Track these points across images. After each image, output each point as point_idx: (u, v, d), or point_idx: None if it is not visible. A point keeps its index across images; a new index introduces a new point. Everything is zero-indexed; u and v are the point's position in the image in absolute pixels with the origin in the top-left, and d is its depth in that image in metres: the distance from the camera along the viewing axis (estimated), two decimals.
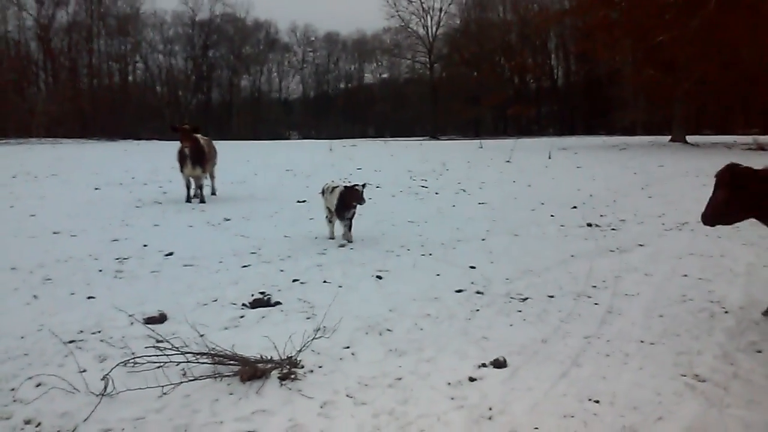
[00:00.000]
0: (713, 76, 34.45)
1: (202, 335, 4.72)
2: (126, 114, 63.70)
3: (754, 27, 30.35)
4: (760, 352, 4.87)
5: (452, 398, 4.10)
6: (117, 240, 9.51)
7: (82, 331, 5.36)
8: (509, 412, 3.90)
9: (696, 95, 37.10)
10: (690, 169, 19.31)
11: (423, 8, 74.22)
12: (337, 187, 9.29)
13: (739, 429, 3.69)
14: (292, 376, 4.35)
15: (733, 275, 7.22)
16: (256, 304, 6.18)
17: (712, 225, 6.04)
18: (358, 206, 9.12)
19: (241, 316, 5.82)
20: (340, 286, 6.83)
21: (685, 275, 7.20)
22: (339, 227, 9.37)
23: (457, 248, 8.90)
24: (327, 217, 9.61)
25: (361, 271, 7.56)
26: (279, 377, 4.33)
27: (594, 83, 66.92)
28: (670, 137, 35.82)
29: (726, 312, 5.85)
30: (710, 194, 5.75)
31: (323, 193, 9.61)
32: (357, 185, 9.07)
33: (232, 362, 4.41)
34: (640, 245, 8.98)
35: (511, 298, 6.40)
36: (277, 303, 6.21)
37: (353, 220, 9.28)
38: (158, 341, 4.77)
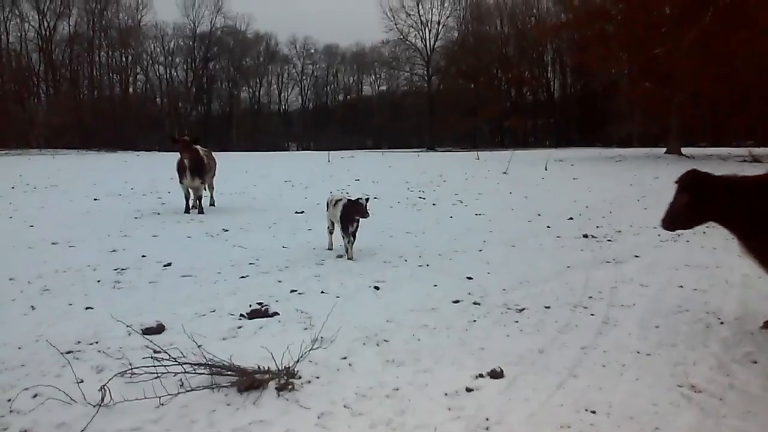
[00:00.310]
0: (708, 89, 34.65)
1: (199, 346, 4.73)
2: (126, 125, 63.91)
3: (748, 39, 30.55)
4: (755, 362, 4.89)
5: (449, 409, 4.10)
6: (115, 251, 9.52)
7: (79, 342, 5.36)
8: (506, 423, 3.91)
9: (691, 107, 37.28)
10: None
11: (421, 21, 74.82)
12: (341, 200, 9.10)
13: None
14: (290, 387, 4.35)
15: (729, 286, 7.24)
16: (254, 314, 6.18)
17: (672, 230, 6.28)
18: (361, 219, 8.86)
19: (239, 327, 5.83)
20: (337, 297, 6.84)
21: (681, 286, 7.22)
22: (339, 238, 9.27)
23: (454, 259, 8.93)
24: (328, 227, 9.55)
25: (359, 281, 7.57)
26: (276, 388, 4.33)
27: (590, 96, 67.26)
28: (665, 149, 35.98)
29: (722, 323, 5.87)
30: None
31: (327, 205, 9.55)
32: (360, 198, 8.84)
33: (229, 373, 4.41)
34: (636, 256, 9.00)
35: (508, 308, 6.41)
36: (275, 313, 6.21)
37: (356, 234, 9.00)
38: (156, 352, 4.77)
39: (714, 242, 9.61)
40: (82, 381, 4.38)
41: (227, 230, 11.45)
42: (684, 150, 34.92)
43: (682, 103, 35.12)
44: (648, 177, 21.23)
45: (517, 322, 5.97)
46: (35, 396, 4.21)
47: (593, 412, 4.02)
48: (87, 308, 6.45)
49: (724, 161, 27.90)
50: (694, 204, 5.72)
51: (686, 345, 5.26)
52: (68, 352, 5.02)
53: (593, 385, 4.45)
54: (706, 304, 6.49)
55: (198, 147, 14.17)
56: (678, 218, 5.90)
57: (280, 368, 4.46)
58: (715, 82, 33.85)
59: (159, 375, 4.35)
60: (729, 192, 5.66)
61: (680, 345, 5.26)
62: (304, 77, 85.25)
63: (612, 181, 20.55)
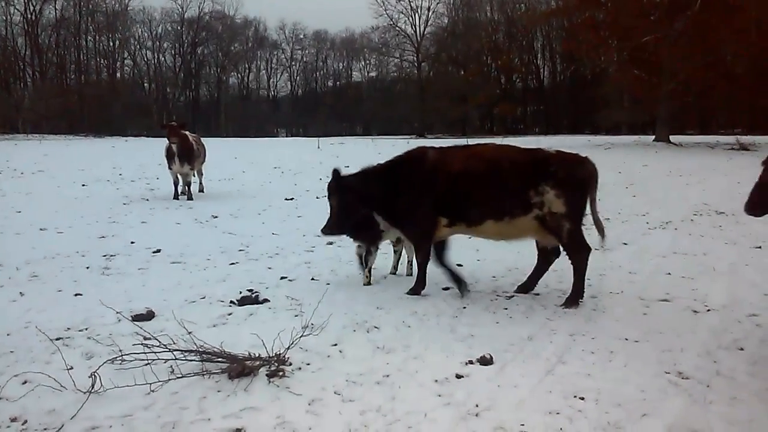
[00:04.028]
0: (697, 77, 34.75)
1: (189, 332, 4.72)
2: (114, 110, 63.28)
3: (737, 28, 30.66)
4: (742, 349, 4.94)
5: (439, 395, 4.12)
6: (104, 237, 9.48)
7: (69, 329, 5.35)
8: (496, 409, 3.93)
9: (680, 95, 37.39)
10: (673, 169, 19.43)
11: (411, 7, 74.29)
12: None
13: (721, 426, 3.74)
14: (280, 374, 4.36)
15: (716, 274, 7.30)
16: (244, 301, 6.19)
17: (339, 234, 6.87)
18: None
19: (229, 314, 5.82)
20: (328, 284, 6.84)
21: (669, 273, 7.28)
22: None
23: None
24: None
25: (349, 268, 7.58)
26: (267, 374, 4.33)
27: (579, 83, 67.26)
28: (654, 137, 36.10)
29: (709, 310, 5.93)
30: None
31: None
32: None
33: (220, 359, 4.41)
34: (624, 244, 9.05)
35: (498, 295, 6.45)
36: (265, 300, 6.22)
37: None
38: (146, 338, 4.76)
39: (701, 230, 9.69)
40: (71, 368, 4.37)
41: (216, 217, 11.42)
42: (672, 138, 35.04)
43: (671, 91, 35.20)
44: (636, 164, 21.26)
45: (506, 309, 6.00)
46: (25, 383, 4.19)
47: (582, 398, 4.06)
48: (76, 294, 6.44)
49: (712, 149, 28.09)
50: (346, 203, 6.45)
51: (674, 332, 5.30)
52: (58, 339, 5.01)
53: (582, 371, 4.48)
54: (694, 291, 6.55)
55: (187, 133, 14.11)
56: (341, 220, 6.52)
57: (270, 355, 4.46)
58: (703, 71, 33.97)
59: (149, 362, 4.34)
60: (372, 180, 6.52)
61: (668, 332, 5.31)
62: (293, 63, 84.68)
63: (600, 168, 20.52)
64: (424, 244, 6.47)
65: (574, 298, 6.13)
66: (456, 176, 6.24)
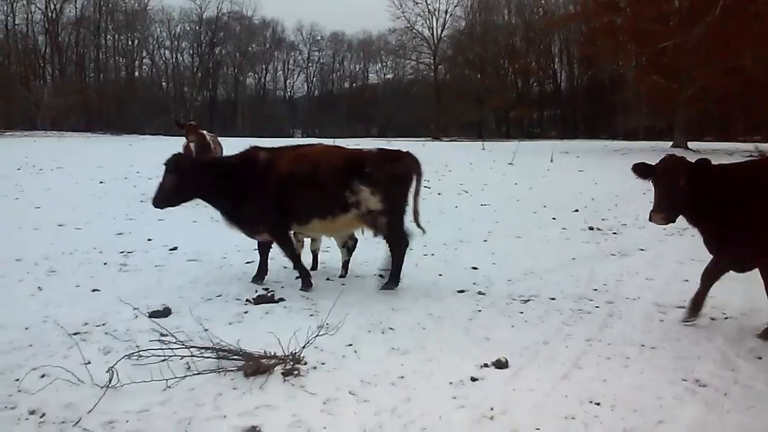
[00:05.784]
0: (716, 83, 34.41)
1: (206, 330, 4.75)
2: (132, 109, 63.77)
3: (757, 34, 30.35)
4: (760, 358, 4.90)
5: (454, 397, 4.12)
6: (122, 233, 9.56)
7: (86, 324, 5.41)
8: (510, 413, 3.92)
9: (699, 101, 37.04)
10: None
11: (428, 10, 74.02)
12: None
13: None
14: (296, 372, 4.38)
15: (734, 281, 7.19)
16: (259, 300, 6.22)
17: (162, 207, 7.01)
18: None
19: (245, 312, 5.86)
20: (343, 284, 6.87)
21: (686, 280, 7.21)
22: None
23: (459, 249, 8.93)
24: None
25: (364, 269, 7.60)
26: (282, 373, 4.36)
27: (597, 88, 66.76)
28: (672, 143, 35.80)
29: (726, 318, 5.89)
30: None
31: None
32: None
33: (236, 357, 4.44)
34: (641, 249, 9.00)
35: (513, 299, 6.43)
36: (281, 299, 6.25)
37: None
38: (162, 335, 4.80)
39: None
40: (89, 362, 4.41)
41: None
42: (690, 144, 34.72)
43: (689, 97, 34.89)
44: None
45: (522, 312, 5.99)
46: (43, 376, 4.25)
47: (597, 404, 4.04)
48: (94, 290, 6.51)
49: (730, 156, 27.75)
50: (180, 184, 6.64)
51: (691, 339, 5.27)
52: (75, 334, 5.06)
53: (597, 377, 4.47)
54: (711, 298, 6.44)
55: (204, 132, 14.18)
56: (166, 197, 6.76)
57: (286, 354, 4.48)
58: (723, 77, 33.63)
59: (166, 358, 4.39)
60: (209, 171, 6.88)
61: (685, 339, 5.27)
62: (309, 64, 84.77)
63: (617, 173, 20.45)
64: (286, 240, 6.82)
65: (391, 283, 6.68)
66: (284, 178, 6.55)
